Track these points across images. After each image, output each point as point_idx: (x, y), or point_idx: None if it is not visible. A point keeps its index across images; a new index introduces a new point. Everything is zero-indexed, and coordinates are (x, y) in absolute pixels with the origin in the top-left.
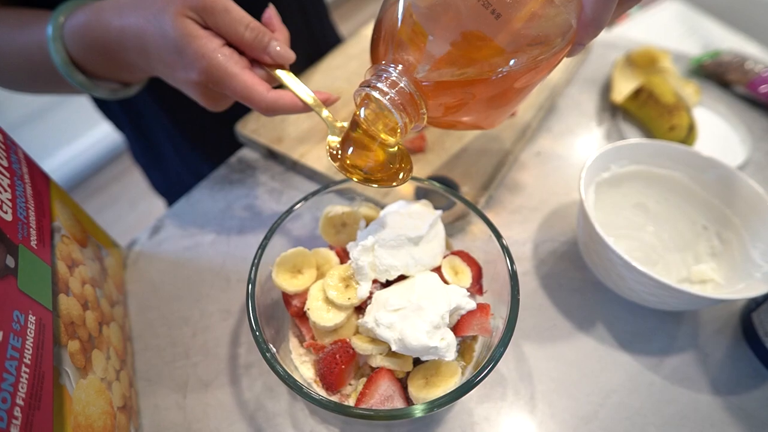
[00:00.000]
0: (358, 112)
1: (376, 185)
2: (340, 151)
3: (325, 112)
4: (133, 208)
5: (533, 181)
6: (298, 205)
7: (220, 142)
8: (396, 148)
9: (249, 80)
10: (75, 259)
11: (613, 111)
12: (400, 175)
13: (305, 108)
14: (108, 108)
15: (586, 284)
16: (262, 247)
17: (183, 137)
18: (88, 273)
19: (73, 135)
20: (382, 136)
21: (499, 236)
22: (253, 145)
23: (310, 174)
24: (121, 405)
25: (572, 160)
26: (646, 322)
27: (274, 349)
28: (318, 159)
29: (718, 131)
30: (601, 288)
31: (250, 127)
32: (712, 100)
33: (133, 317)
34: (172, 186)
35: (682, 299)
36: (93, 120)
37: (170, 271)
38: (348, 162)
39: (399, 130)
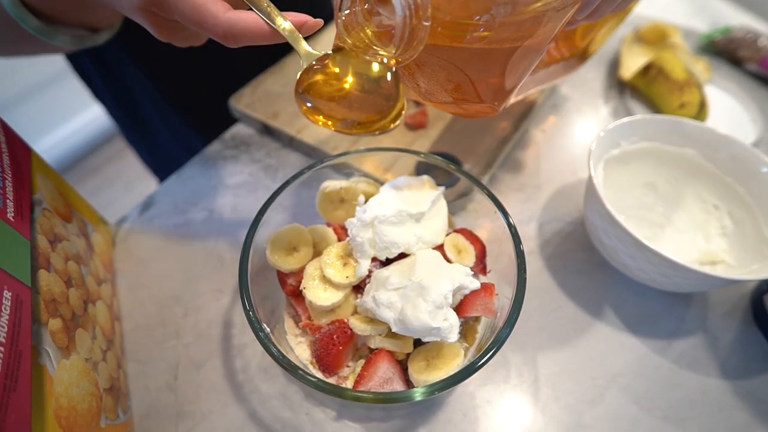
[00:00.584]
0: (339, 13)
1: (357, 132)
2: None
3: (304, 44)
4: (129, 189)
5: (538, 159)
6: (294, 180)
7: (215, 117)
8: (389, 76)
9: None
10: (58, 234)
11: (620, 88)
12: (389, 118)
13: (274, 35)
14: (92, 83)
15: (592, 265)
16: (256, 222)
17: (174, 112)
18: (72, 249)
19: (66, 115)
20: (374, 47)
21: (504, 213)
22: (248, 120)
23: (308, 150)
24: (108, 386)
25: (578, 139)
26: (654, 304)
27: (268, 329)
28: (316, 134)
29: (728, 110)
30: (608, 269)
31: (244, 101)
32: (723, 77)
33: (122, 296)
34: (164, 165)
35: (694, 280)
36: (86, 99)
37: (161, 249)
38: (324, 98)
39: (396, 37)
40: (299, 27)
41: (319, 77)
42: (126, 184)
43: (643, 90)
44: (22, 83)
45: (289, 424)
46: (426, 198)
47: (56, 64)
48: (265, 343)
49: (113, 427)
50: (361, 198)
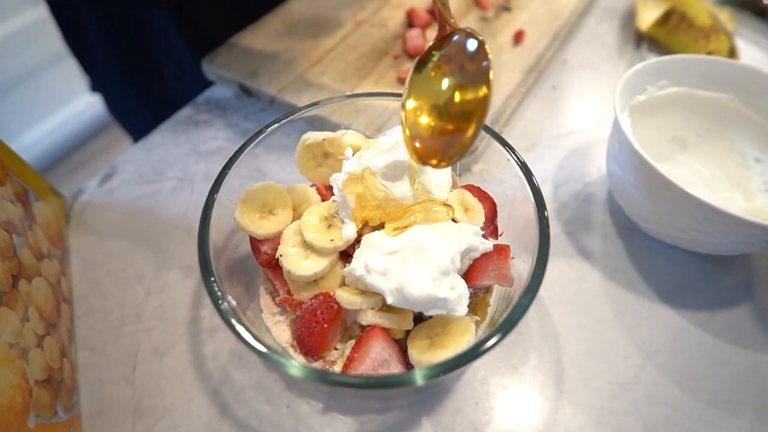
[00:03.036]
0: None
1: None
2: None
3: None
4: None
5: (549, 116)
6: (272, 127)
7: None
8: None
9: None
10: None
11: (637, 41)
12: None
13: None
14: (86, 34)
15: (617, 229)
16: (222, 176)
17: (187, 51)
18: (0, 215)
19: (50, 108)
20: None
21: (517, 157)
22: (224, 81)
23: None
24: (44, 378)
25: (592, 96)
26: (691, 271)
27: (234, 302)
28: (299, 93)
29: (755, 62)
30: (635, 233)
31: (219, 60)
32: (747, 29)
33: (76, 276)
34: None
35: (743, 236)
36: (70, 92)
37: (122, 223)
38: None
39: None
40: None
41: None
42: None
43: (663, 41)
44: (3, 76)
45: (267, 418)
46: None
47: (37, 57)
48: (226, 315)
49: (47, 427)
50: (349, 151)
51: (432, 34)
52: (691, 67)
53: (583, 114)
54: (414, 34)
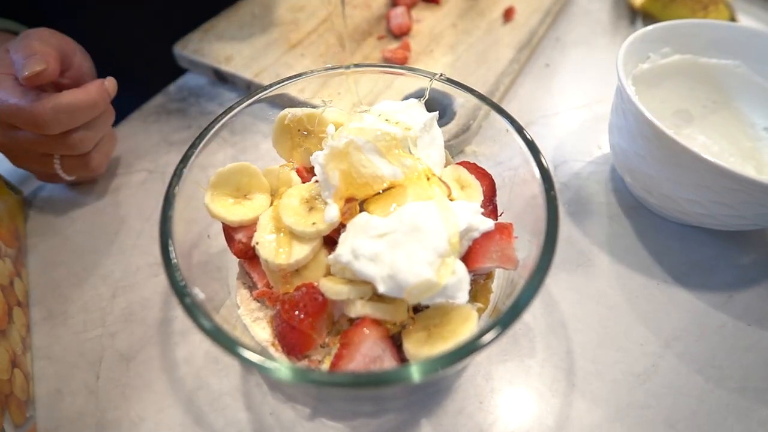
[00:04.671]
0: None
1: None
2: None
3: None
4: None
5: (544, 94)
6: (250, 100)
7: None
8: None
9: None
10: None
11: (631, 17)
12: None
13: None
14: None
15: (623, 209)
16: (188, 157)
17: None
18: None
19: None
20: None
21: (518, 128)
22: (197, 67)
23: (271, 97)
24: None
25: (587, 73)
26: (705, 250)
27: (202, 294)
28: (278, 77)
29: None
30: (643, 213)
31: (192, 46)
32: (745, 2)
33: (34, 278)
34: None
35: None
36: None
37: (86, 220)
38: None
39: None
40: None
41: None
42: None
43: (659, 15)
44: None
45: (248, 427)
46: (416, 120)
47: None
48: (190, 308)
49: None
50: (331, 127)
51: (417, 13)
52: (696, 33)
53: (579, 92)
54: (398, 12)
